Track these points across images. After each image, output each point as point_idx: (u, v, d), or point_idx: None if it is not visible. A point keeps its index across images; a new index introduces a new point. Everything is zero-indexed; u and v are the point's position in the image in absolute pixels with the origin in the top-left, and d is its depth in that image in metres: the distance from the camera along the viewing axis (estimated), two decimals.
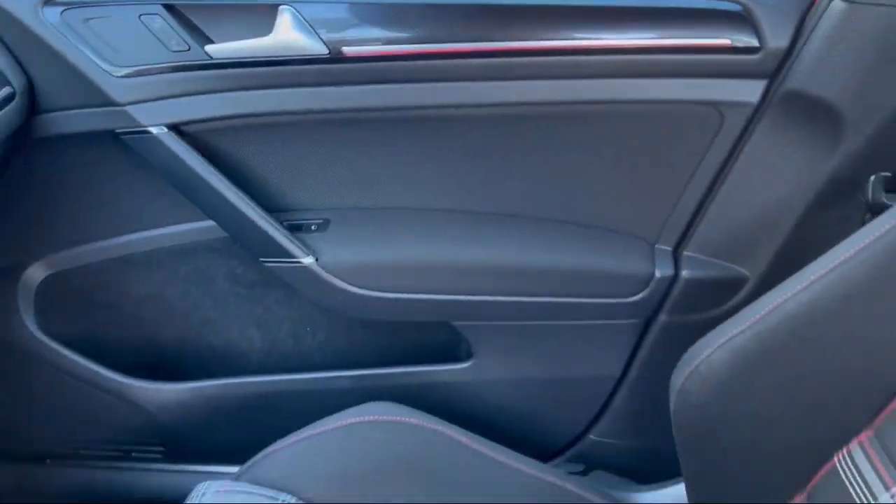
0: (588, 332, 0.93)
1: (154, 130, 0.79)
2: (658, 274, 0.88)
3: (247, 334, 0.99)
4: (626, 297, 0.89)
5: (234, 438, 0.96)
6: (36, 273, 0.92)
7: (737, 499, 0.75)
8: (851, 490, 0.64)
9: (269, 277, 0.94)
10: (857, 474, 0.64)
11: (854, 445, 0.66)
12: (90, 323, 0.96)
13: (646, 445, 1.01)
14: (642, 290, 0.88)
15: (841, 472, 0.66)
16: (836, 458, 0.67)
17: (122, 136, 0.80)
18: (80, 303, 0.95)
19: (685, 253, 0.89)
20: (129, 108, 0.78)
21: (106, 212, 0.91)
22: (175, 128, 0.80)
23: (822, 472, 0.68)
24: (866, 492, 0.63)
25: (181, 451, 1.03)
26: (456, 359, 0.97)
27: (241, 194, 0.83)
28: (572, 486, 0.85)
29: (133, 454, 1.04)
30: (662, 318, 0.91)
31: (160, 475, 1.06)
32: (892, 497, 0.61)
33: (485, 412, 0.97)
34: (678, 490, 0.93)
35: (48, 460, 1.06)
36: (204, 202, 0.84)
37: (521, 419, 0.99)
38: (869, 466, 0.64)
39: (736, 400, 0.71)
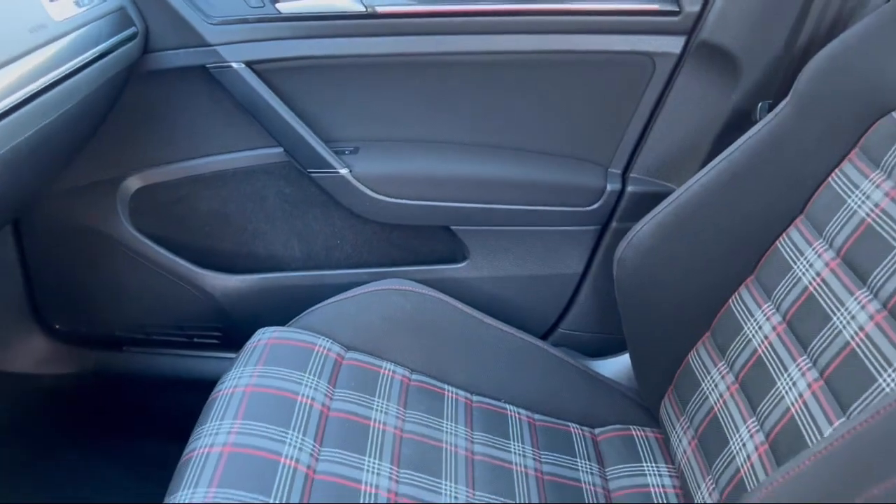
0: (557, 236, 1.20)
1: (235, 66, 1.07)
2: (609, 188, 1.15)
3: (290, 244, 1.26)
4: (586, 206, 1.16)
5: (274, 323, 1.22)
6: (132, 184, 1.19)
7: (662, 346, 1.01)
8: (740, 318, 0.91)
9: (310, 197, 1.21)
10: (744, 308, 0.91)
11: (742, 288, 0.93)
12: (171, 226, 1.23)
13: (603, 335, 1.27)
14: (597, 201, 1.16)
15: (734, 309, 0.92)
16: (730, 301, 0.94)
17: (211, 70, 1.07)
18: (164, 210, 1.22)
19: (630, 174, 1.17)
20: (217, 48, 1.06)
21: (187, 138, 1.18)
22: (250, 64, 1.08)
23: (721, 312, 0.95)
24: (748, 316, 0.90)
25: (233, 337, 1.29)
26: (454, 260, 1.24)
27: (296, 118, 1.11)
28: (547, 347, 1.12)
29: (195, 339, 1.30)
30: (614, 224, 1.18)
31: (214, 361, 1.32)
32: (763, 313, 0.87)
33: (477, 305, 1.23)
34: (624, 359, 1.20)
35: (124, 347, 1.32)
36: (268, 124, 1.11)
37: (505, 312, 1.24)
38: (751, 299, 0.90)
39: (658, 261, 0.98)
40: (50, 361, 1.34)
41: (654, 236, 0.98)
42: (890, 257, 0.73)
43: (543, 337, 1.29)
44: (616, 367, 1.20)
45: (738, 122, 1.08)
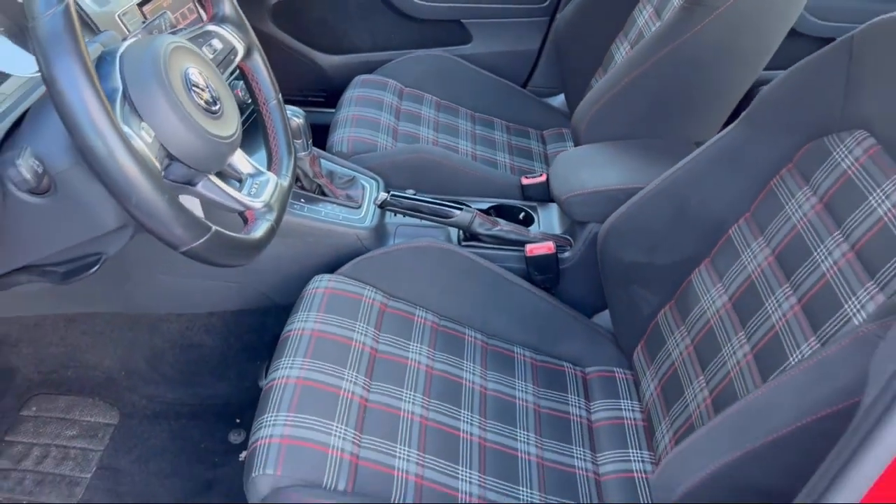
0: (524, 26, 2.02)
1: None
2: None
3: (364, 36, 2.08)
4: (540, 3, 1.98)
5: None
6: None
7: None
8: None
9: (375, 6, 2.01)
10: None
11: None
12: (296, 25, 2.05)
13: (556, 89, 2.09)
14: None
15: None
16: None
17: None
18: (292, 15, 2.03)
19: None
20: None
21: None
22: None
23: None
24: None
25: (331, 98, 2.09)
26: (464, 43, 2.07)
27: None
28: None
29: (309, 98, 2.14)
30: (557, 16, 1.97)
31: (320, 115, 2.15)
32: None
33: (479, 63, 2.02)
34: (560, 99, 2.03)
35: None
36: None
37: (493, 70, 2.01)
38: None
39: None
40: None
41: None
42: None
43: (524, 84, 2.11)
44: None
45: None
